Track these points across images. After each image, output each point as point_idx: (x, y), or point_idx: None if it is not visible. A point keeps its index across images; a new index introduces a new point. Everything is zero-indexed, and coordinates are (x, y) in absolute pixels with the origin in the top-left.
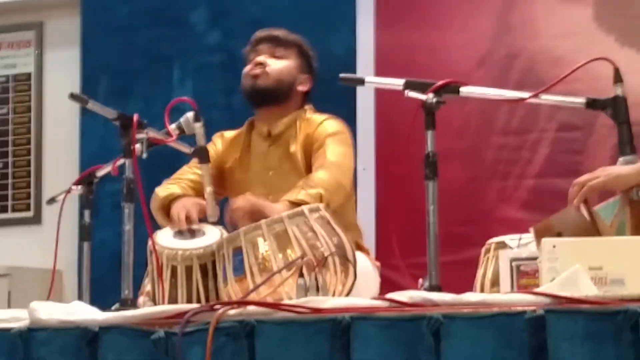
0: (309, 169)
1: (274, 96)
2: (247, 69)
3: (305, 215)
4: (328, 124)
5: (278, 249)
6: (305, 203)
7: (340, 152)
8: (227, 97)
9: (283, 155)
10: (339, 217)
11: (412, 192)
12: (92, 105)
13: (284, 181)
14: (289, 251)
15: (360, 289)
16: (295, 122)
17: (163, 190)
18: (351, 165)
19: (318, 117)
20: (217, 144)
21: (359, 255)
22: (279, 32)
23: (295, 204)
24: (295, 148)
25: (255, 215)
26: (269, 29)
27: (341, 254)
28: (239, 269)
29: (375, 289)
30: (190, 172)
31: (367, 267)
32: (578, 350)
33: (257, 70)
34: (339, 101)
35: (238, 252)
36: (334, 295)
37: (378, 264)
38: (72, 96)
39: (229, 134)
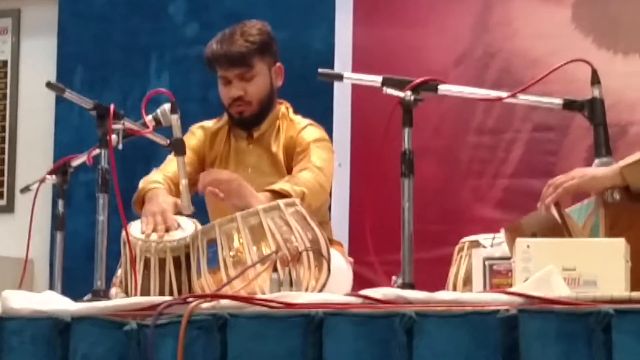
0: (289, 170)
1: (262, 115)
2: (224, 96)
3: (281, 209)
4: (312, 131)
5: (252, 242)
6: (289, 194)
7: (323, 158)
8: (203, 89)
9: (263, 154)
10: (315, 213)
11: (387, 190)
12: (69, 95)
13: (263, 179)
14: (263, 245)
15: (334, 285)
16: (275, 121)
17: (143, 182)
18: (332, 171)
19: (301, 120)
20: (198, 135)
21: (333, 251)
22: (236, 48)
23: (278, 193)
24: (277, 148)
25: (233, 193)
26: (224, 45)
27: (316, 249)
28: (213, 261)
29: (348, 286)
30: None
31: (340, 264)
32: (550, 350)
33: (240, 108)
34: (315, 97)
35: (212, 244)
36: (307, 290)
37: (351, 260)
38: (49, 85)
39: (209, 126)
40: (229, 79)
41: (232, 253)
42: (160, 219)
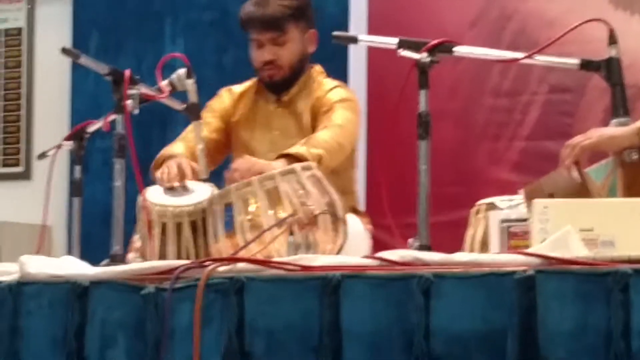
0: (314, 131)
1: (293, 80)
2: (255, 59)
3: (297, 173)
4: (339, 91)
5: (269, 205)
6: (304, 158)
7: (346, 117)
8: (218, 55)
9: (290, 116)
10: (337, 180)
11: (403, 152)
12: (84, 60)
13: (289, 141)
14: (279, 208)
15: (351, 250)
16: (305, 85)
17: (164, 149)
18: (355, 132)
19: (330, 82)
20: (225, 98)
21: (351, 216)
22: (271, 11)
23: (293, 156)
24: (304, 109)
25: (254, 175)
26: (259, 7)
27: (332, 212)
28: (229, 225)
29: (365, 251)
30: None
31: (358, 229)
32: (568, 310)
33: (271, 72)
34: (331, 60)
35: (229, 208)
36: (324, 253)
37: (370, 227)
38: (64, 50)
39: (237, 88)
40: (262, 42)
41: (248, 217)
42: (175, 170)
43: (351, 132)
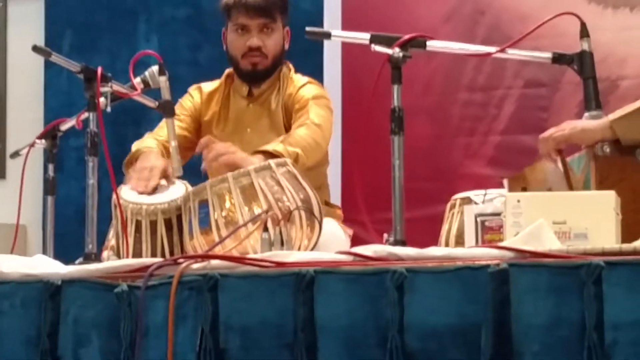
0: (287, 128)
1: (271, 73)
2: (239, 46)
3: (272, 169)
4: (311, 88)
5: (244, 202)
6: (281, 155)
7: (322, 115)
8: (193, 52)
9: (262, 113)
10: (310, 176)
11: (378, 148)
12: (56, 58)
13: (261, 139)
14: (254, 205)
15: (328, 248)
16: (276, 81)
17: (137, 144)
18: (331, 130)
19: (301, 78)
20: (195, 97)
21: (328, 219)
22: None
23: (271, 153)
24: (276, 107)
25: (232, 167)
26: None
27: (307, 208)
28: (204, 222)
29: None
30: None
31: (334, 230)
32: (541, 303)
33: (256, 59)
34: (306, 57)
35: (204, 204)
36: (299, 249)
37: (350, 231)
38: (35, 48)
39: (207, 87)
40: (250, 28)
41: (223, 213)
42: (147, 175)
43: (328, 131)
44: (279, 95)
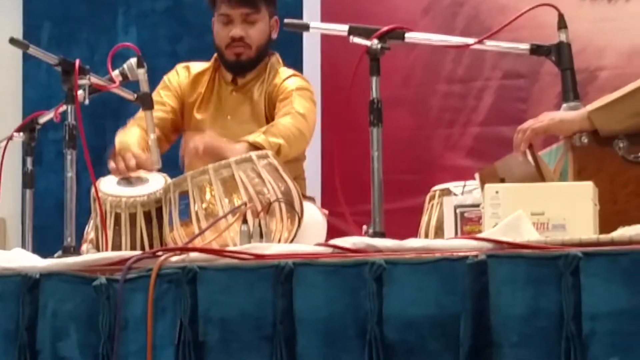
0: (269, 119)
1: (256, 63)
2: (223, 36)
3: (253, 161)
4: (296, 80)
5: (225, 194)
6: (262, 147)
7: (307, 106)
8: (172, 44)
9: (245, 102)
10: (289, 167)
11: (358, 140)
12: (33, 51)
13: (241, 127)
14: (235, 197)
15: (308, 237)
16: (262, 71)
17: (120, 135)
18: (314, 122)
19: (286, 71)
20: (182, 75)
21: (308, 204)
22: None
23: (254, 145)
24: (259, 97)
25: (213, 155)
26: None
27: (288, 200)
28: (184, 214)
29: (322, 238)
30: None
31: (315, 216)
32: (519, 294)
33: (239, 49)
34: (285, 48)
35: (184, 196)
36: (280, 242)
37: (326, 212)
38: (12, 41)
39: (195, 67)
40: (232, 18)
41: (204, 205)
42: (130, 155)
43: (312, 122)
44: (263, 86)
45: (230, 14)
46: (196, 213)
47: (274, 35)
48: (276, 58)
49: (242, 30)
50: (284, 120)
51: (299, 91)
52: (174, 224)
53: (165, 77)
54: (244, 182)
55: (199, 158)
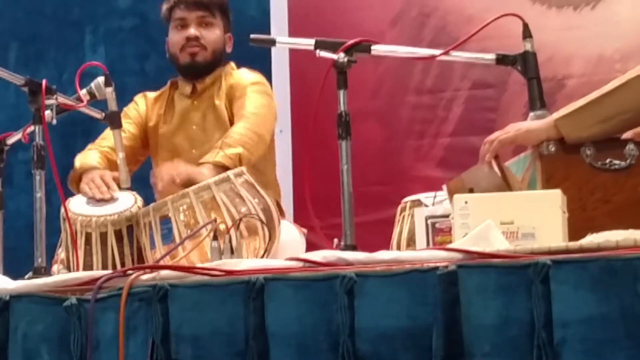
0: (233, 123)
1: (211, 68)
2: (178, 40)
3: (231, 180)
4: (250, 75)
5: (208, 216)
6: (224, 165)
7: (260, 102)
8: (140, 62)
9: (207, 109)
10: (259, 173)
11: (328, 153)
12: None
13: (207, 135)
14: (217, 218)
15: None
16: (219, 78)
17: (80, 158)
18: (272, 117)
19: (240, 70)
20: (140, 104)
21: (285, 223)
22: None
23: (217, 165)
24: (220, 101)
25: (188, 182)
26: None
27: (267, 217)
28: (167, 238)
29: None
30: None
31: (294, 235)
32: (490, 303)
33: (196, 49)
34: (253, 63)
35: (166, 220)
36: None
37: (304, 230)
38: None
39: (152, 94)
40: (187, 21)
41: (187, 230)
42: (100, 181)
43: (268, 119)
44: (222, 90)
45: (185, 17)
46: (180, 236)
47: (229, 50)
48: (230, 65)
49: (198, 31)
50: (237, 127)
51: (253, 86)
52: (157, 248)
53: (124, 110)
54: (225, 203)
55: (177, 186)
